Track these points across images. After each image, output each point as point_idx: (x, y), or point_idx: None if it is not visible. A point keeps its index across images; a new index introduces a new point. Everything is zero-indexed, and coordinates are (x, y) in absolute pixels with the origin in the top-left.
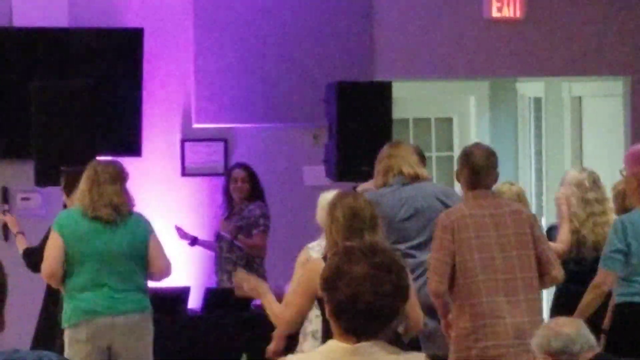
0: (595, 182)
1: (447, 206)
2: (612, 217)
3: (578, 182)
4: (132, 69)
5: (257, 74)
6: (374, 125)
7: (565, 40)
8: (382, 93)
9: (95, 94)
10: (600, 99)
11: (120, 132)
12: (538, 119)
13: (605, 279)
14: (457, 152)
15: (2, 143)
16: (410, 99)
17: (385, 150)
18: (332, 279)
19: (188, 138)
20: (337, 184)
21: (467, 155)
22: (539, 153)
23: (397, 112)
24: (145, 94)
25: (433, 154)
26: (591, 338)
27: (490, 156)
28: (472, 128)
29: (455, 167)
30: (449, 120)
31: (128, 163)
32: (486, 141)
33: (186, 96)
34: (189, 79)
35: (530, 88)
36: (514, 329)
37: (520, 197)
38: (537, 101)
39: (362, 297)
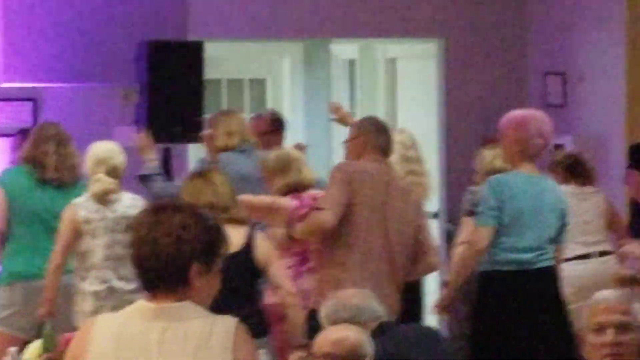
0: (414, 142)
1: None
2: (427, 179)
3: (399, 140)
4: None
5: (67, 32)
6: (186, 85)
7: (379, 1)
8: (194, 53)
9: None
10: (414, 61)
11: None
12: (352, 81)
13: (481, 234)
14: None
15: None
16: (224, 60)
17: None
18: (132, 237)
19: None
20: None
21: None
22: (353, 115)
23: (210, 73)
24: None
25: (246, 115)
26: (378, 308)
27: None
28: (286, 89)
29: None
30: (262, 82)
31: None
32: (300, 103)
33: None
34: None
35: (344, 50)
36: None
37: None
38: (352, 63)
39: (143, 250)
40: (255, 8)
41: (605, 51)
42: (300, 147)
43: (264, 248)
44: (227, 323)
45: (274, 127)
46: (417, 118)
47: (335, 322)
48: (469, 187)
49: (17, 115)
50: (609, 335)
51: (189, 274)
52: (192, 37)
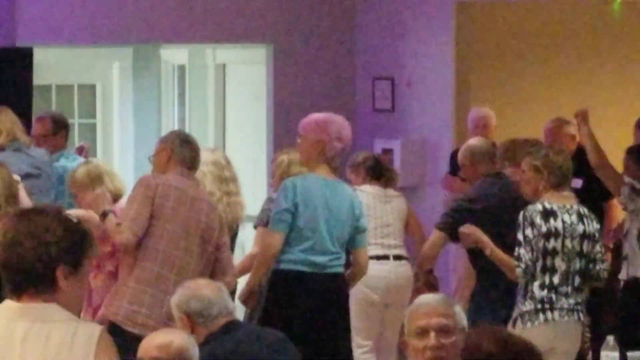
0: (228, 161)
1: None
2: (241, 199)
3: (212, 160)
4: None
5: None
6: (14, 91)
7: (209, 7)
8: (23, 59)
9: None
10: (244, 67)
11: None
12: (182, 86)
13: (274, 239)
14: (100, 119)
15: None
16: (53, 65)
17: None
18: None
19: None
20: None
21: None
22: (182, 121)
23: (39, 79)
24: None
25: (76, 121)
26: (230, 304)
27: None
28: (116, 95)
29: (98, 134)
30: (92, 87)
31: None
32: (129, 109)
33: None
34: None
35: (174, 55)
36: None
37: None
38: (181, 68)
39: (15, 253)
40: (85, 13)
41: (434, 57)
42: (82, 148)
43: None
44: (91, 329)
45: (55, 129)
46: (247, 123)
47: (186, 312)
48: (269, 196)
49: None
50: (432, 339)
51: (54, 275)
52: (20, 43)
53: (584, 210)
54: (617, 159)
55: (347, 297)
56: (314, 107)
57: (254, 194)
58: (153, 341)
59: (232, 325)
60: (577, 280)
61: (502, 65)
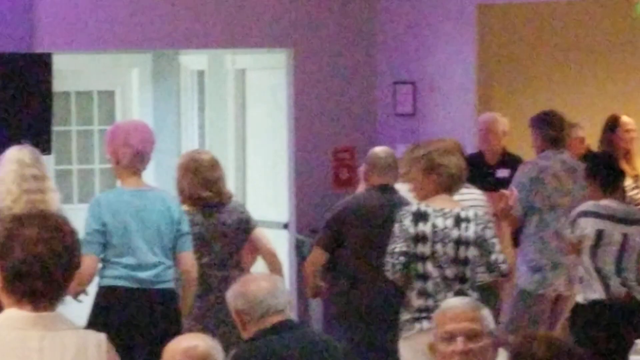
0: (37, 160)
1: None
2: (48, 196)
3: (17, 159)
4: None
5: None
6: (34, 98)
7: (228, 12)
8: (42, 65)
9: None
10: (263, 72)
11: None
12: (201, 92)
13: (84, 265)
14: None
15: None
16: (72, 71)
17: None
18: (3, 244)
19: None
20: None
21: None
22: (202, 127)
23: (59, 85)
24: None
25: (95, 127)
26: (281, 302)
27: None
28: (135, 101)
29: None
30: (111, 93)
31: None
32: (149, 115)
33: None
34: None
35: (193, 61)
36: None
37: None
38: (201, 74)
39: (38, 258)
40: (104, 19)
41: (456, 60)
42: None
43: None
44: (97, 336)
45: None
46: (267, 128)
47: (235, 310)
48: None
49: None
50: (459, 344)
51: (68, 283)
52: (39, 49)
53: (466, 214)
54: None
55: (178, 313)
56: (334, 112)
57: (274, 199)
58: (179, 345)
59: (283, 325)
60: (457, 286)
61: (525, 67)
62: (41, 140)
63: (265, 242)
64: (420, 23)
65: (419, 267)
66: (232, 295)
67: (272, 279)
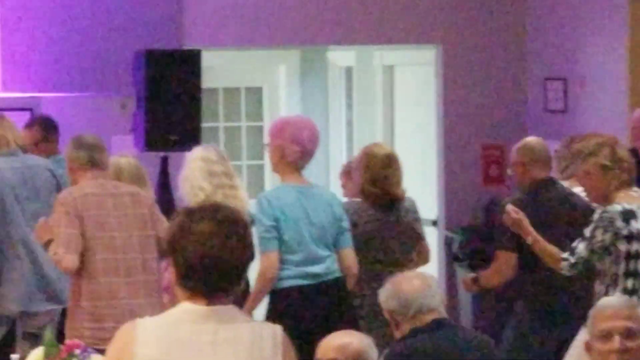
0: (222, 157)
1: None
2: (239, 192)
3: (202, 156)
4: None
5: (64, 42)
6: (183, 94)
7: (377, 8)
8: (191, 61)
9: None
10: (411, 68)
11: None
12: (349, 88)
13: (269, 261)
14: (266, 122)
15: None
16: (220, 68)
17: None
18: (177, 239)
19: None
20: (145, 154)
21: (79, 138)
22: (350, 123)
23: (207, 82)
24: None
25: (243, 124)
26: (435, 300)
27: (100, 139)
28: (282, 98)
29: (265, 137)
30: (259, 90)
31: None
32: (296, 111)
33: None
34: None
35: (341, 57)
36: (130, 310)
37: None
38: (348, 70)
39: (210, 253)
40: (252, 16)
41: (607, 55)
42: None
43: None
44: (273, 328)
45: (46, 132)
46: (415, 125)
47: (387, 310)
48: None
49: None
50: (616, 342)
51: (244, 275)
52: (188, 46)
53: None
54: None
55: (350, 298)
56: (483, 108)
57: (422, 195)
58: (332, 342)
59: (437, 323)
60: None
61: None
62: (190, 136)
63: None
64: (571, 18)
65: (631, 265)
66: (385, 295)
67: (425, 277)
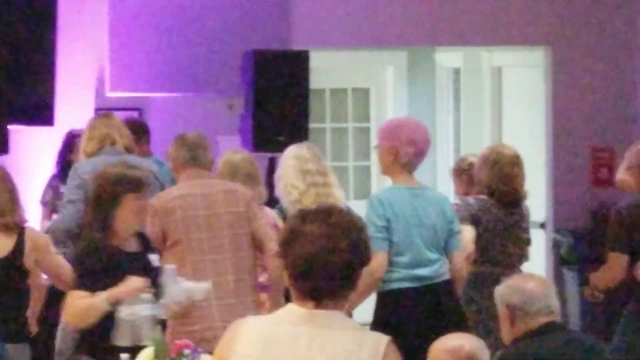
0: (316, 155)
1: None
2: (333, 190)
3: (295, 154)
4: (46, 36)
5: (172, 43)
6: (291, 95)
7: (485, 9)
8: (299, 62)
9: (6, 62)
10: (520, 69)
11: (32, 100)
12: (457, 90)
13: (378, 261)
14: (373, 123)
15: None
16: (327, 69)
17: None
18: (287, 241)
19: (102, 107)
20: (252, 155)
21: (182, 136)
22: (457, 124)
23: (314, 82)
24: (59, 62)
25: (350, 125)
26: (553, 303)
27: (204, 138)
28: (389, 99)
29: (372, 138)
30: (366, 91)
31: (40, 132)
32: (404, 112)
33: (100, 64)
34: (103, 47)
35: (449, 58)
36: (220, 310)
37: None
38: (456, 71)
39: (318, 256)
40: (359, 17)
41: None
42: None
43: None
44: (378, 338)
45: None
46: (524, 127)
47: (507, 304)
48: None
49: None
50: None
51: (354, 280)
52: (296, 47)
53: None
54: None
55: (458, 301)
56: (593, 110)
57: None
58: (444, 344)
59: (551, 327)
60: None
61: None
62: (298, 137)
63: None
64: None
65: None
66: (507, 290)
67: (547, 280)
